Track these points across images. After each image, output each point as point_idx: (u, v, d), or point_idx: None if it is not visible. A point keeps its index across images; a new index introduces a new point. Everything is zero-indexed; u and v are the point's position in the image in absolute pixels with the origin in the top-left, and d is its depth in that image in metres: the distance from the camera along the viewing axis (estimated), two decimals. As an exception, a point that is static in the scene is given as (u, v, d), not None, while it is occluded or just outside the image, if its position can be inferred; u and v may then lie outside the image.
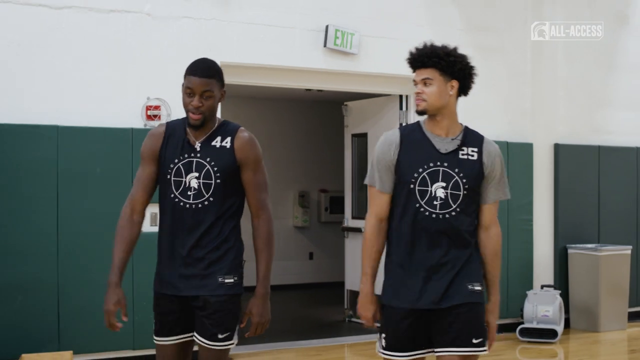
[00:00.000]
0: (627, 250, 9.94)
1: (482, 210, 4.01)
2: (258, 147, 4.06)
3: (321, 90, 10.94)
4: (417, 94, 3.95)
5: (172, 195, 3.98)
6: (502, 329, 9.11)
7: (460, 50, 4.01)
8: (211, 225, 3.96)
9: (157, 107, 7.50)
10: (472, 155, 3.95)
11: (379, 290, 3.97)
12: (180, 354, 4.08)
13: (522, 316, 9.21)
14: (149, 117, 7.47)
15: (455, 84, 3.94)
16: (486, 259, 4.03)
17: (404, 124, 8.77)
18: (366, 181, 4.04)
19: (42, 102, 7.20)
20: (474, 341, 3.87)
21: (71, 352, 6.79)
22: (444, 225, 3.88)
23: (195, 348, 4.02)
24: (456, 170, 3.91)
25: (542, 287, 9.36)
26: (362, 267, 3.98)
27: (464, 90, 4.01)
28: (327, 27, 8.38)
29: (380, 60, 8.76)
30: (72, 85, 7.31)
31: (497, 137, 9.05)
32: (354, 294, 10.15)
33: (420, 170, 3.90)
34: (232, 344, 3.98)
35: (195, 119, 3.95)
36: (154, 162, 4.03)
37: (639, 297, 10.41)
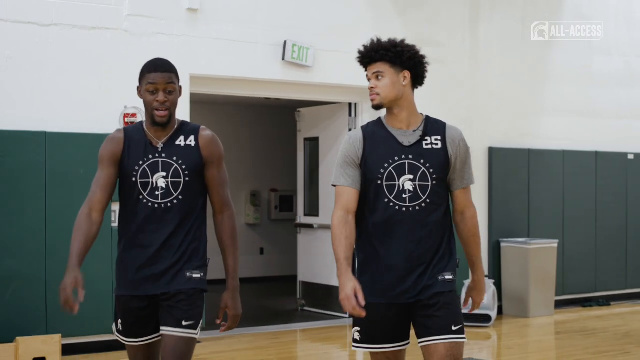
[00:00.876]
0: (554, 243, 10.23)
1: (454, 197, 3.90)
2: (221, 144, 4.02)
3: (279, 99, 11.10)
4: (370, 89, 3.84)
5: (140, 197, 3.88)
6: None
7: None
8: (180, 224, 3.89)
9: (133, 115, 7.93)
10: (436, 144, 3.81)
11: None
12: (154, 353, 4.01)
13: (460, 303, 9.73)
14: (127, 124, 7.82)
15: (407, 74, 3.81)
16: (464, 241, 3.95)
17: (352, 129, 9.14)
18: (332, 182, 3.87)
19: (31, 110, 7.60)
20: (454, 328, 3.79)
21: (60, 335, 7.21)
22: (414, 217, 3.76)
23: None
24: (422, 161, 3.78)
25: (478, 277, 9.87)
26: (335, 259, 3.73)
27: (417, 80, 3.87)
28: (285, 42, 8.78)
29: (332, 71, 9.14)
30: (58, 95, 7.73)
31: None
32: (307, 285, 10.46)
33: (386, 165, 3.78)
34: (196, 334, 3.87)
35: (162, 116, 3.85)
36: (113, 165, 3.91)
37: (565, 286, 10.69)
